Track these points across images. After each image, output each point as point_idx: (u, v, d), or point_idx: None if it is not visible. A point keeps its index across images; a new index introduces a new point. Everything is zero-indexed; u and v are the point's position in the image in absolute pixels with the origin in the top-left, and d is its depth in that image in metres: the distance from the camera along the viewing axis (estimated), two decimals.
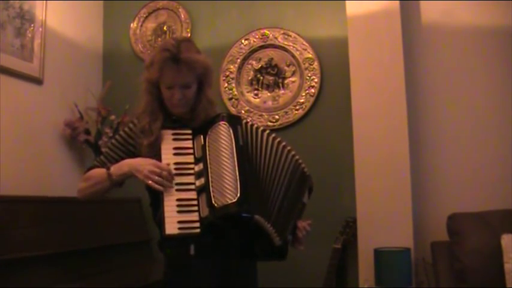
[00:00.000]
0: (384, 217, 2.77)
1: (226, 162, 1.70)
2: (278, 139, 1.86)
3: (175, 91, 1.80)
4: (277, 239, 1.71)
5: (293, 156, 1.84)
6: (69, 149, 3.22)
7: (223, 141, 1.74)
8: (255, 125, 1.87)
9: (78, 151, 3.28)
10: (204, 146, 1.76)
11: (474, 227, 2.53)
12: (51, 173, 3.06)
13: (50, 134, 3.08)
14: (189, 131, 1.82)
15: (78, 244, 2.57)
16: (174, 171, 1.73)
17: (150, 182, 1.70)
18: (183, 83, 1.80)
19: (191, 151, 1.78)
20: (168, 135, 1.80)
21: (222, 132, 1.76)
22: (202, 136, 1.78)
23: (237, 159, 1.70)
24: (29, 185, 2.79)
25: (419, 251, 2.76)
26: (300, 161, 1.86)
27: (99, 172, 1.85)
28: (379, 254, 2.62)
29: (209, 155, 1.74)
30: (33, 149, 2.92)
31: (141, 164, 1.75)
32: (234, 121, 1.81)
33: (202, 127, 1.81)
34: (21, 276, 2.19)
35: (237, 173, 1.68)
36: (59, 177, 3.10)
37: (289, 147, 1.86)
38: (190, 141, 1.80)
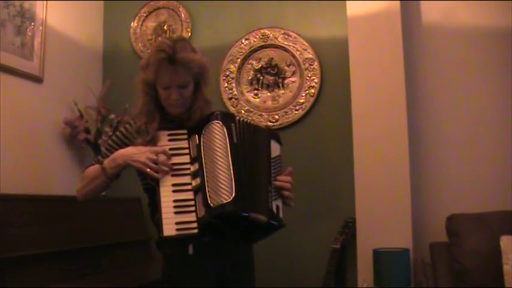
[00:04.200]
0: (383, 217, 2.77)
1: (220, 161, 1.70)
2: (252, 122, 1.89)
3: (172, 91, 1.79)
4: (261, 217, 1.71)
5: (256, 126, 1.90)
6: (69, 147, 3.22)
7: (217, 140, 1.74)
8: (249, 122, 1.88)
9: (78, 150, 3.28)
10: (198, 146, 1.76)
11: (473, 228, 2.52)
12: (50, 172, 3.06)
13: (50, 133, 3.08)
14: (185, 131, 1.81)
15: (77, 243, 2.57)
16: (171, 158, 1.74)
17: (148, 170, 1.71)
18: (179, 83, 1.79)
19: (187, 151, 1.78)
20: (164, 135, 1.80)
21: (216, 131, 1.75)
22: (197, 136, 1.78)
23: (232, 157, 1.71)
24: (28, 183, 2.80)
25: (418, 251, 2.76)
26: (259, 124, 1.95)
27: (93, 169, 1.85)
28: (378, 255, 2.62)
29: (204, 154, 1.74)
30: (33, 148, 2.92)
31: (136, 153, 1.75)
32: (228, 119, 1.80)
33: (197, 126, 1.80)
34: (21, 275, 2.20)
35: (232, 172, 1.68)
36: (58, 175, 3.10)
37: (257, 124, 1.93)
38: (186, 141, 1.80)
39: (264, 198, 1.76)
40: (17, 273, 2.19)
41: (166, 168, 1.72)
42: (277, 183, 1.84)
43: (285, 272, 3.07)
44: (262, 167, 1.82)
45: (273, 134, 1.94)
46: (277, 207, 1.80)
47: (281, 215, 1.81)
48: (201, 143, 1.76)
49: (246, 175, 1.73)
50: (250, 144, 1.82)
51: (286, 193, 1.85)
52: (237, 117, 1.85)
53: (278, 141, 1.93)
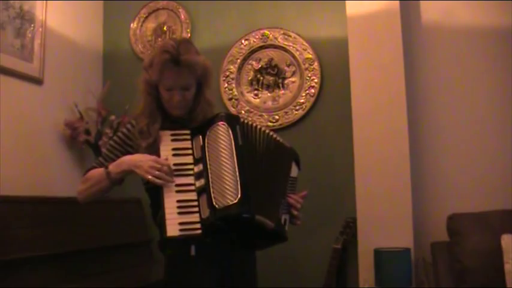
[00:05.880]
0: (384, 217, 2.77)
1: (226, 162, 1.70)
2: (276, 137, 1.87)
3: (174, 93, 1.80)
4: (268, 222, 1.70)
5: (282, 143, 1.86)
6: (69, 149, 3.22)
7: (223, 142, 1.73)
8: (254, 124, 1.87)
9: (78, 151, 3.28)
10: (203, 147, 1.75)
11: (474, 227, 2.52)
12: (51, 173, 3.06)
13: (50, 134, 3.08)
14: (188, 132, 1.81)
15: (78, 244, 2.57)
16: (173, 172, 1.73)
17: (150, 177, 1.70)
18: (183, 85, 1.80)
19: (190, 152, 1.78)
20: (166, 136, 1.80)
21: (221, 133, 1.75)
22: (201, 137, 1.78)
23: (237, 159, 1.70)
24: (29, 185, 2.79)
25: (419, 251, 2.76)
26: (284, 142, 1.87)
27: (97, 172, 1.84)
28: (379, 254, 2.62)
29: (208, 155, 1.73)
30: (33, 149, 2.92)
31: (141, 160, 1.75)
32: (233, 121, 1.80)
33: (200, 127, 1.80)
34: (22, 277, 2.20)
35: (237, 173, 1.67)
36: (59, 177, 3.10)
37: (282, 141, 1.87)
38: (189, 142, 1.79)
39: (275, 206, 1.76)
40: (19, 275, 2.18)
41: (169, 178, 1.71)
42: (291, 200, 1.84)
43: (287, 272, 3.08)
44: (278, 179, 1.82)
45: (296, 156, 1.93)
46: (285, 220, 1.80)
47: (286, 229, 1.81)
48: (206, 144, 1.75)
49: (255, 179, 1.71)
50: (264, 151, 1.80)
51: (295, 212, 1.85)
52: (242, 119, 1.84)
53: (298, 165, 1.93)
